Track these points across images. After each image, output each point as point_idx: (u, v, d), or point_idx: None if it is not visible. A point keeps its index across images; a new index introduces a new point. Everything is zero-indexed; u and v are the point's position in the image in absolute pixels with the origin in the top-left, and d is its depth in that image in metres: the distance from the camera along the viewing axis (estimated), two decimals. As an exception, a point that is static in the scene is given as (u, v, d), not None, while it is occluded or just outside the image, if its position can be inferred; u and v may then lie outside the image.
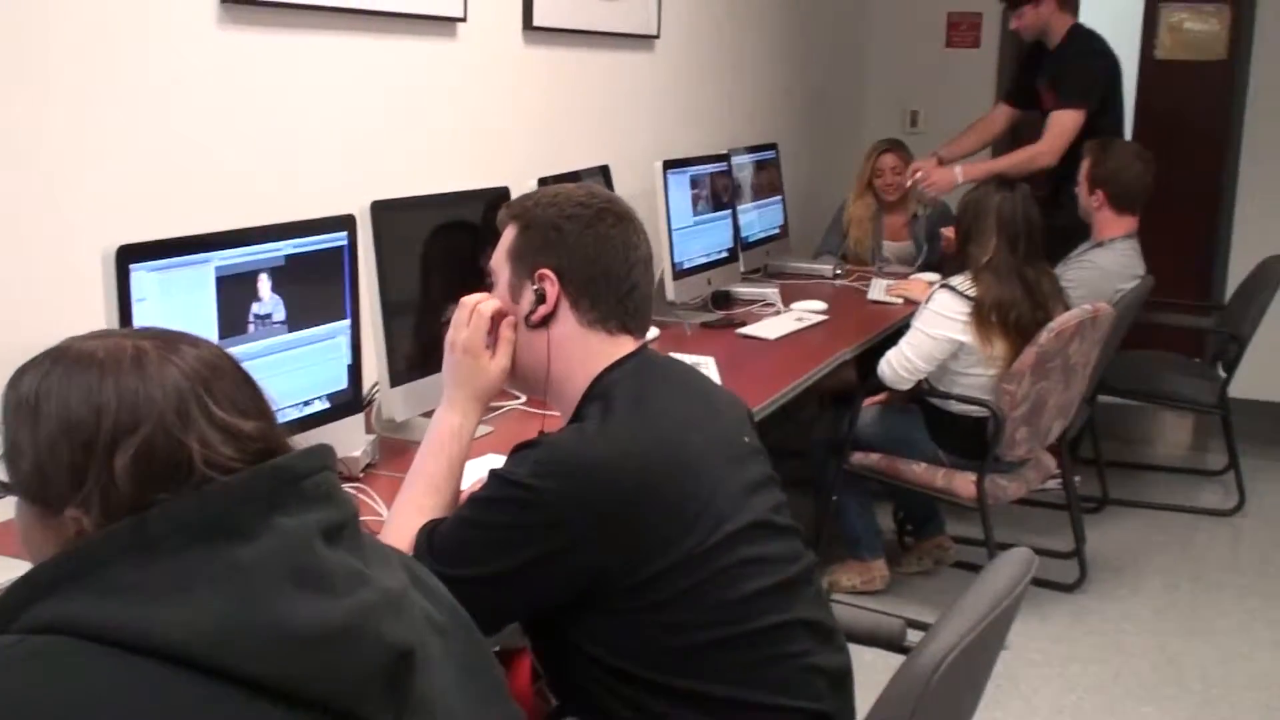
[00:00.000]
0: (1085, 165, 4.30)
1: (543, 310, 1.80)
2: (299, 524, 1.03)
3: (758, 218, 4.67)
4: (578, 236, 1.79)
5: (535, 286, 1.80)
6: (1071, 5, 4.87)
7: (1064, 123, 4.62)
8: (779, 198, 4.88)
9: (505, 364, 1.86)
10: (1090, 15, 6.16)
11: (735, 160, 4.44)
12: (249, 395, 1.11)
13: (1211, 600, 4.05)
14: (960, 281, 3.62)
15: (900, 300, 4.34)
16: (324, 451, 1.11)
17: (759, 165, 4.73)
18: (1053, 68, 4.79)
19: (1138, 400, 5.10)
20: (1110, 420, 5.30)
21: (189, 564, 0.99)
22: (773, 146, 4.88)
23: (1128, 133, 5.39)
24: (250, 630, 0.97)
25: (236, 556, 0.99)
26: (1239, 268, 5.48)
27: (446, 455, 1.86)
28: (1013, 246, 3.59)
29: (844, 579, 3.99)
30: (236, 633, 0.96)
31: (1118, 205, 4.25)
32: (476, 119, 3.38)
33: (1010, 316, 3.55)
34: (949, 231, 4.34)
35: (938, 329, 3.60)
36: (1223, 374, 4.87)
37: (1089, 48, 4.77)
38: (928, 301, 3.67)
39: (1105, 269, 4.20)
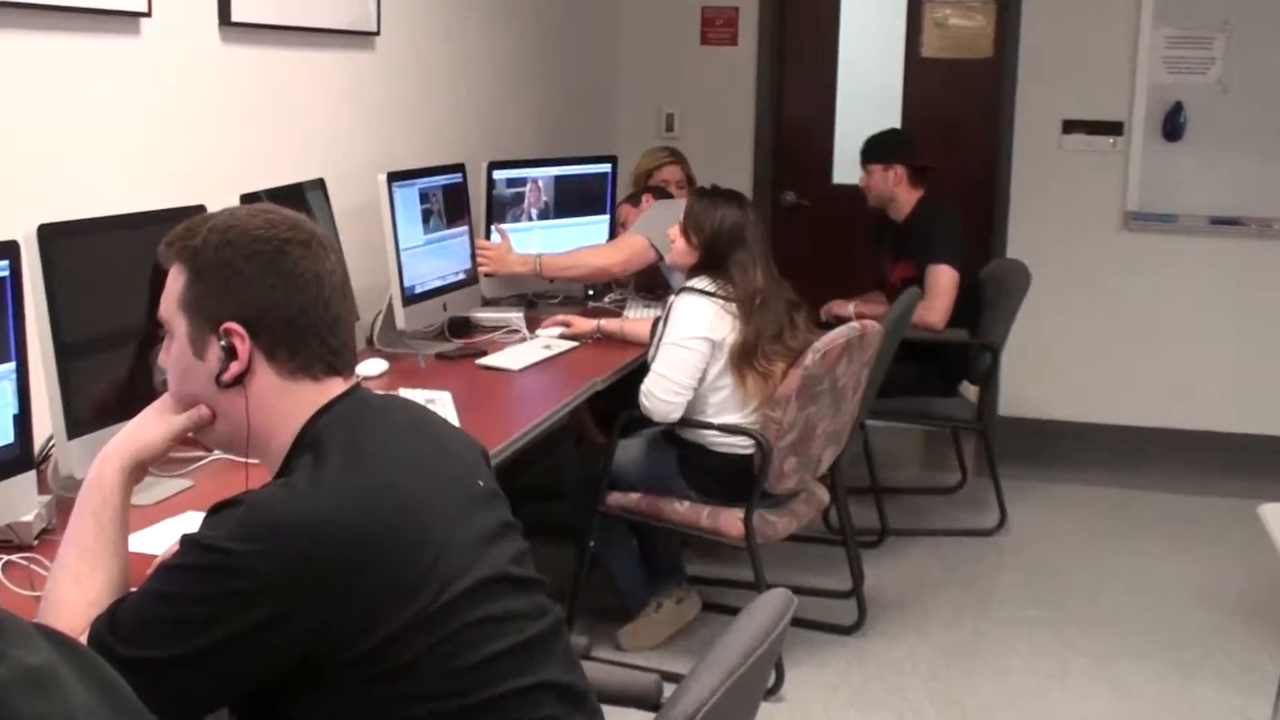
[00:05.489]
0: None
1: (235, 369, 1.75)
2: None
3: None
4: (262, 279, 1.74)
5: (222, 343, 1.75)
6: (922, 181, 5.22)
7: (942, 280, 4.93)
8: (522, 212, 4.92)
9: (176, 428, 1.83)
10: (853, 13, 6.46)
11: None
12: None
13: (998, 636, 4.26)
14: (699, 281, 3.73)
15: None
16: None
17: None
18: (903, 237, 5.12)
19: (901, 422, 5.36)
20: (882, 446, 5.52)
21: None
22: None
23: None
24: None
25: None
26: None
27: (92, 513, 1.79)
28: (766, 263, 3.77)
29: (639, 638, 4.04)
30: None
31: None
32: (168, 128, 3.30)
33: (780, 335, 3.69)
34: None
35: (689, 333, 3.66)
36: (976, 387, 5.16)
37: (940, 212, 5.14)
38: (668, 313, 3.73)
39: None
